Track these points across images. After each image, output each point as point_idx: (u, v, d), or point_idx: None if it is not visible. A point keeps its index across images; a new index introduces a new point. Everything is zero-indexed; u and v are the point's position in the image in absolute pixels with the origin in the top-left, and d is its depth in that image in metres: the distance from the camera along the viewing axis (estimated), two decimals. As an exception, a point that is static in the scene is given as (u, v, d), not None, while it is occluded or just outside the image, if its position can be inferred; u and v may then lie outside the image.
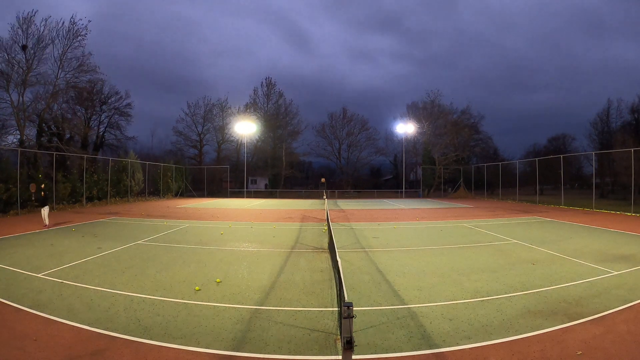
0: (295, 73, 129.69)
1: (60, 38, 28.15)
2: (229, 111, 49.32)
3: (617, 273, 6.74)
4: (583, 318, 4.55)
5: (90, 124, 38.70)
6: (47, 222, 13.13)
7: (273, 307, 5.07)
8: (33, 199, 12.61)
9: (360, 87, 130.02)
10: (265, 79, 52.68)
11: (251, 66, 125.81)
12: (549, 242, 10.10)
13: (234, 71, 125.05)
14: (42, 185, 13.82)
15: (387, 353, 3.71)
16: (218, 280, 6.36)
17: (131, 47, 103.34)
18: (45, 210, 13.28)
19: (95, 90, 37.80)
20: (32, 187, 13.67)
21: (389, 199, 35.95)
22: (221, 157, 49.98)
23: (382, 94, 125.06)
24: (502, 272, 6.89)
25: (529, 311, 4.82)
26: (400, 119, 46.17)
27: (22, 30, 26.32)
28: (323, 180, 47.13)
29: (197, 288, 5.92)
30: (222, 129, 49.82)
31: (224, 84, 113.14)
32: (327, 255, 8.36)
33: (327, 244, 9.55)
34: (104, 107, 41.32)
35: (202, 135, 50.69)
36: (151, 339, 3.96)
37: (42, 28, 26.88)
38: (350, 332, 2.76)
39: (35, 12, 26.68)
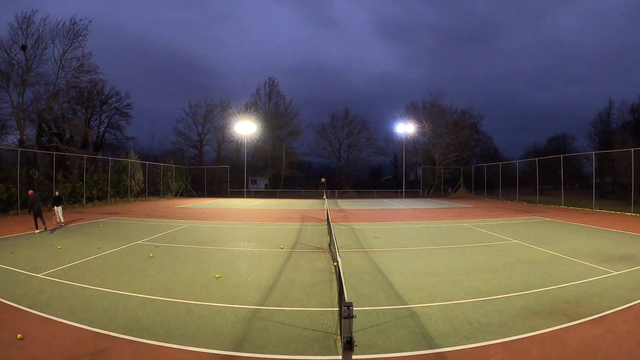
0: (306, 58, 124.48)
1: (60, 38, 28.22)
2: (230, 111, 49.41)
3: (617, 273, 6.73)
4: (583, 318, 4.54)
5: (91, 124, 38.80)
6: (61, 219, 13.25)
7: (273, 307, 5.07)
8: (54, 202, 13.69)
9: (373, 75, 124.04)
10: (268, 79, 52.94)
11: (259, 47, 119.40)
12: (549, 242, 10.09)
13: (242, 58, 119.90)
14: (57, 193, 14.25)
15: (387, 353, 3.70)
16: (218, 275, 6.63)
17: (133, 29, 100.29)
18: (59, 210, 13.42)
19: (95, 90, 37.88)
20: (56, 193, 14.25)
21: (389, 199, 35.95)
22: (221, 157, 50.01)
23: (396, 80, 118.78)
24: (502, 272, 6.88)
25: (529, 311, 4.81)
26: (400, 118, 46.17)
27: (22, 30, 26.37)
28: (323, 180, 47.07)
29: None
30: (222, 129, 49.88)
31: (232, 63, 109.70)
32: (327, 255, 8.36)
33: (327, 244, 9.55)
34: (104, 107, 41.44)
35: (202, 135, 50.81)
36: (151, 339, 3.96)
37: (41, 28, 26.95)
38: (351, 332, 2.76)
39: (34, 12, 26.74)
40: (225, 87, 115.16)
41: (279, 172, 48.83)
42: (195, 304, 5.15)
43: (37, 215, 11.65)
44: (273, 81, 51.80)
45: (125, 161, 30.20)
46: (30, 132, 28.71)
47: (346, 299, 3.34)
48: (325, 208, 15.58)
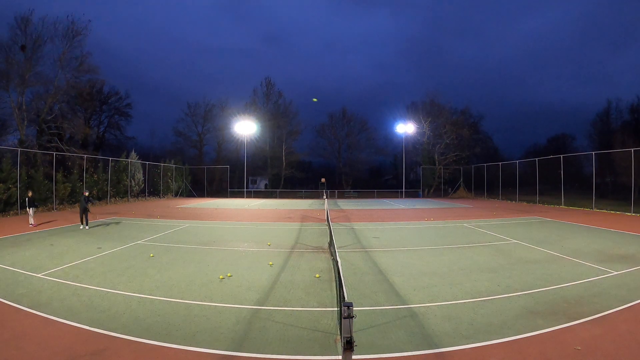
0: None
1: (59, 37, 28.19)
2: (229, 111, 49.42)
3: (617, 273, 6.74)
4: (583, 318, 4.55)
5: (90, 123, 38.80)
6: (32, 221, 13.50)
7: (273, 307, 5.07)
8: (27, 202, 14.06)
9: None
10: (265, 79, 52.89)
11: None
12: (549, 242, 10.10)
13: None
14: (30, 193, 14.58)
15: (387, 353, 3.71)
16: (221, 276, 6.49)
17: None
18: (31, 211, 13.71)
19: (95, 90, 37.89)
20: (29, 194, 14.58)
21: (389, 199, 35.94)
22: (221, 157, 50.03)
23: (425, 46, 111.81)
24: (502, 272, 6.88)
25: (529, 311, 4.82)
26: (400, 118, 46.15)
27: (21, 30, 26.36)
28: (323, 180, 47.04)
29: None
30: (222, 129, 49.91)
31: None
32: (327, 255, 8.36)
33: (327, 244, 9.55)
34: (104, 107, 41.50)
35: (202, 135, 50.87)
36: (151, 339, 3.96)
37: (40, 27, 26.93)
38: (351, 332, 2.76)
39: (32, 12, 26.71)
40: (228, 78, 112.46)
41: (279, 172, 48.83)
42: (195, 304, 5.15)
43: (84, 213, 13.09)
44: (269, 81, 51.94)
45: (125, 161, 30.19)
46: (30, 132, 28.74)
47: (346, 299, 3.34)
48: (325, 208, 15.58)
